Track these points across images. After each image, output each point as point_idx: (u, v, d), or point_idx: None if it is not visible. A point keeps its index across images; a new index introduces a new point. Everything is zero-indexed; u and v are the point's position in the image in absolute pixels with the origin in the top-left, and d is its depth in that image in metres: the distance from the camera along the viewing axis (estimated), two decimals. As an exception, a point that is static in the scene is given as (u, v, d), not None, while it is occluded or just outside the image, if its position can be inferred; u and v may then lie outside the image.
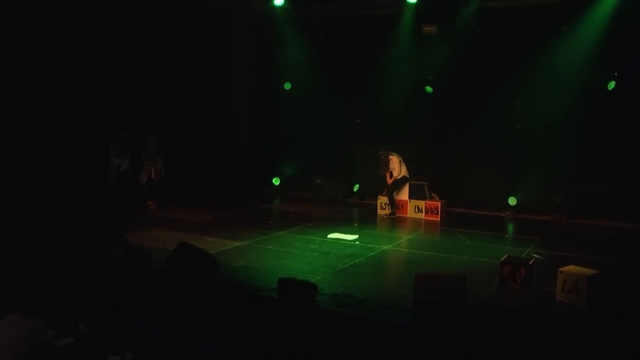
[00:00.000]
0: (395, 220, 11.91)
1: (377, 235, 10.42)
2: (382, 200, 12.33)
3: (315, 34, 14.20)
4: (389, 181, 12.24)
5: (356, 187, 14.21)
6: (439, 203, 11.96)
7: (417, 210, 12.10)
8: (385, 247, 9.31)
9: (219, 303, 6.56)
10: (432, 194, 12.23)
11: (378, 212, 12.35)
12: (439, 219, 11.82)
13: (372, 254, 8.83)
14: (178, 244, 7.78)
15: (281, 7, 14.22)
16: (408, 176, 12.23)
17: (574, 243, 9.64)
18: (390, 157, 12.21)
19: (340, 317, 5.99)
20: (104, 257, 8.05)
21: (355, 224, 11.20)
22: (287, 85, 14.71)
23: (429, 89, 12.99)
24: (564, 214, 11.38)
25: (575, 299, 6.41)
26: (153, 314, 6.50)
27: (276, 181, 15.14)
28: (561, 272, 6.60)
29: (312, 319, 6.14)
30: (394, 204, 12.12)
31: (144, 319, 6.39)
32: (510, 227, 11.46)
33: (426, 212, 11.99)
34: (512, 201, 12.20)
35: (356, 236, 9.93)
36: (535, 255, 8.63)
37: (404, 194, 12.25)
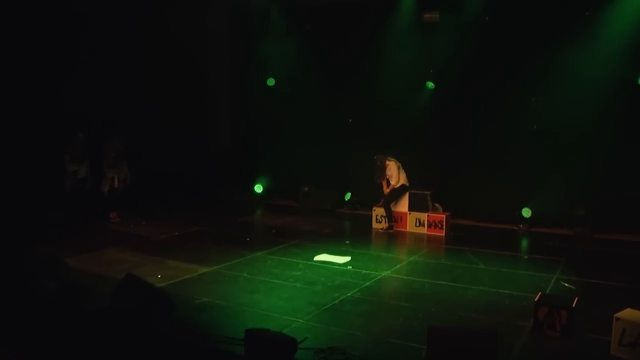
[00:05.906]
0: (393, 235, 10.50)
1: (373, 257, 8.89)
2: (378, 212, 10.93)
3: (302, 24, 13.12)
4: (386, 190, 10.89)
5: (348, 196, 13.00)
6: (444, 215, 10.53)
7: (418, 224, 10.65)
8: (383, 274, 7.76)
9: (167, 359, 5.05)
10: (436, 204, 10.87)
11: (373, 226, 11.01)
12: (443, 234, 10.42)
13: (367, 283, 7.28)
14: (125, 277, 6.24)
15: (264, -6, 13.22)
16: (408, 184, 10.86)
17: (609, 266, 8.36)
18: (387, 162, 10.85)
19: (327, 386, 4.44)
20: (35, 290, 6.56)
21: (347, 241, 9.75)
22: (271, 82, 13.66)
23: (430, 84, 11.85)
24: (587, 228, 10.03)
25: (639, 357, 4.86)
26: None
27: (259, 189, 13.76)
28: (618, 319, 5.03)
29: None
30: (391, 217, 10.72)
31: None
32: (527, 244, 10.05)
33: (429, 226, 10.58)
34: (526, 213, 10.92)
35: (348, 258, 8.47)
36: (567, 285, 7.18)
37: (403, 205, 10.86)
